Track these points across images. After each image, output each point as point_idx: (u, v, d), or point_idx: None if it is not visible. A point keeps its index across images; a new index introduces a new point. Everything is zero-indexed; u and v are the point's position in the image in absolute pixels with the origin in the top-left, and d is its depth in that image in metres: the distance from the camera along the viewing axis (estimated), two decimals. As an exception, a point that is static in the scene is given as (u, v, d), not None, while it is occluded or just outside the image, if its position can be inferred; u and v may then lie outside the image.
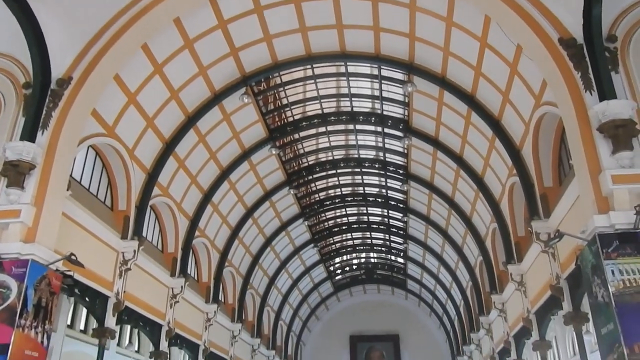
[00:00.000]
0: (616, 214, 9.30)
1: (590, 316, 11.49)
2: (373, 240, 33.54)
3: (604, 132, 9.99)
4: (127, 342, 19.98)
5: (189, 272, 20.83)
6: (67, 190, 12.76)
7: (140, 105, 15.95)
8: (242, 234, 24.76)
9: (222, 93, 17.95)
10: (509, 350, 19.95)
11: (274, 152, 22.00)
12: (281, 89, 20.32)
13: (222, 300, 25.15)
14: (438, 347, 38.54)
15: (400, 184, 25.28)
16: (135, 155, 16.46)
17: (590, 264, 9.61)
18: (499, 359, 22.25)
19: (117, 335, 16.49)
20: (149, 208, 17.38)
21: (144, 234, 17.01)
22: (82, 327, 17.46)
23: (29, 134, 11.70)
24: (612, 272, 8.93)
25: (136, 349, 20.63)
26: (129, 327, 19.87)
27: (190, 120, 17.85)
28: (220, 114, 18.90)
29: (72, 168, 13.80)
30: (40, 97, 11.99)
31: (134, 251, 15.78)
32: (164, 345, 18.03)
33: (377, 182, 26.95)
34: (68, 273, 12.05)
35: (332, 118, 21.91)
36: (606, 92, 10.24)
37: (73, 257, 11.65)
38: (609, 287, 8.83)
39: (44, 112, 12.02)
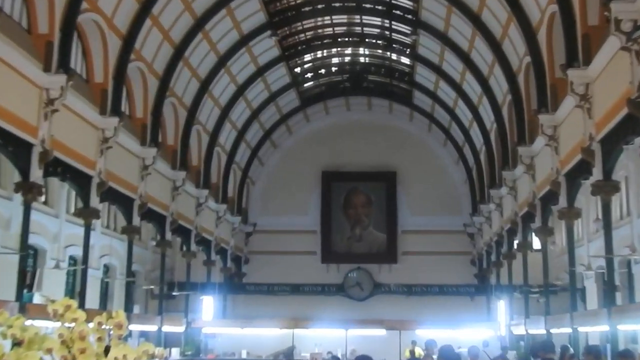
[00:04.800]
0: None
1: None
2: (364, 29, 33.60)
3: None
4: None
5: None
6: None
7: None
8: (189, 52, 27.09)
9: None
10: (533, 215, 22.93)
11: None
12: None
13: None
14: (454, 189, 41.01)
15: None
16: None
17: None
18: (522, 223, 25.57)
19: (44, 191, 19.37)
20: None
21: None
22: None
23: None
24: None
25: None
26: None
27: None
28: None
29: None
30: None
31: (62, 87, 17.94)
32: (95, 201, 21.42)
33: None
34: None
35: None
36: None
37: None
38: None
39: None
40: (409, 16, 30.57)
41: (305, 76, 38.66)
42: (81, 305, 22.34)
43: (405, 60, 35.81)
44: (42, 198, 22.14)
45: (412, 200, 41.14)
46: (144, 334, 28.78)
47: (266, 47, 32.80)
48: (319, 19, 32.72)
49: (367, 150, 41.18)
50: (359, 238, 41.22)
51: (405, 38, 32.96)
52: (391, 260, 40.50)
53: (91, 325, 5.46)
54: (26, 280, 19.22)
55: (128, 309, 25.34)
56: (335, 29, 33.78)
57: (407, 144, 41.44)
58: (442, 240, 39.82)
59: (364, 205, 41.49)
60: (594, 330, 21.55)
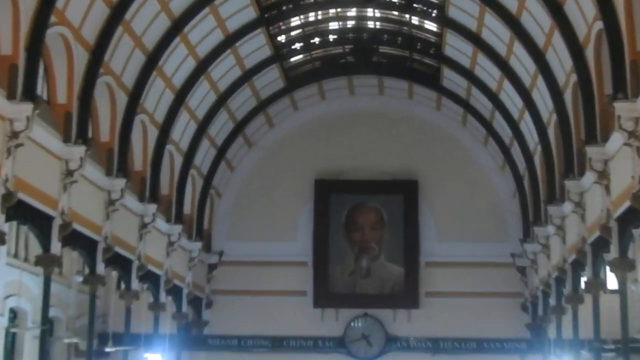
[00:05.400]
0: None
1: None
2: (375, -19, 34.00)
3: None
4: None
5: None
6: None
7: None
8: (131, 14, 27.37)
9: None
10: (607, 242, 22.65)
11: None
12: None
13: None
14: (498, 205, 41.21)
15: None
16: None
17: None
18: (592, 252, 25.49)
19: None
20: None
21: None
22: None
23: None
24: None
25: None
26: None
27: None
28: None
29: None
30: None
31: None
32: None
33: None
34: None
35: None
36: None
37: None
38: None
39: None
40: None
41: (293, 47, 38.64)
42: (-23, 366, 22.36)
43: (430, 25, 35.81)
44: None
45: (440, 220, 41.40)
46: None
47: (239, 6, 32.66)
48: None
49: (377, 151, 41.42)
50: (366, 273, 41.33)
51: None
52: (411, 304, 40.62)
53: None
54: None
55: (43, 370, 25.35)
56: (335, -19, 33.82)
57: (433, 142, 41.65)
58: (481, 277, 40.16)
59: (374, 227, 41.73)
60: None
